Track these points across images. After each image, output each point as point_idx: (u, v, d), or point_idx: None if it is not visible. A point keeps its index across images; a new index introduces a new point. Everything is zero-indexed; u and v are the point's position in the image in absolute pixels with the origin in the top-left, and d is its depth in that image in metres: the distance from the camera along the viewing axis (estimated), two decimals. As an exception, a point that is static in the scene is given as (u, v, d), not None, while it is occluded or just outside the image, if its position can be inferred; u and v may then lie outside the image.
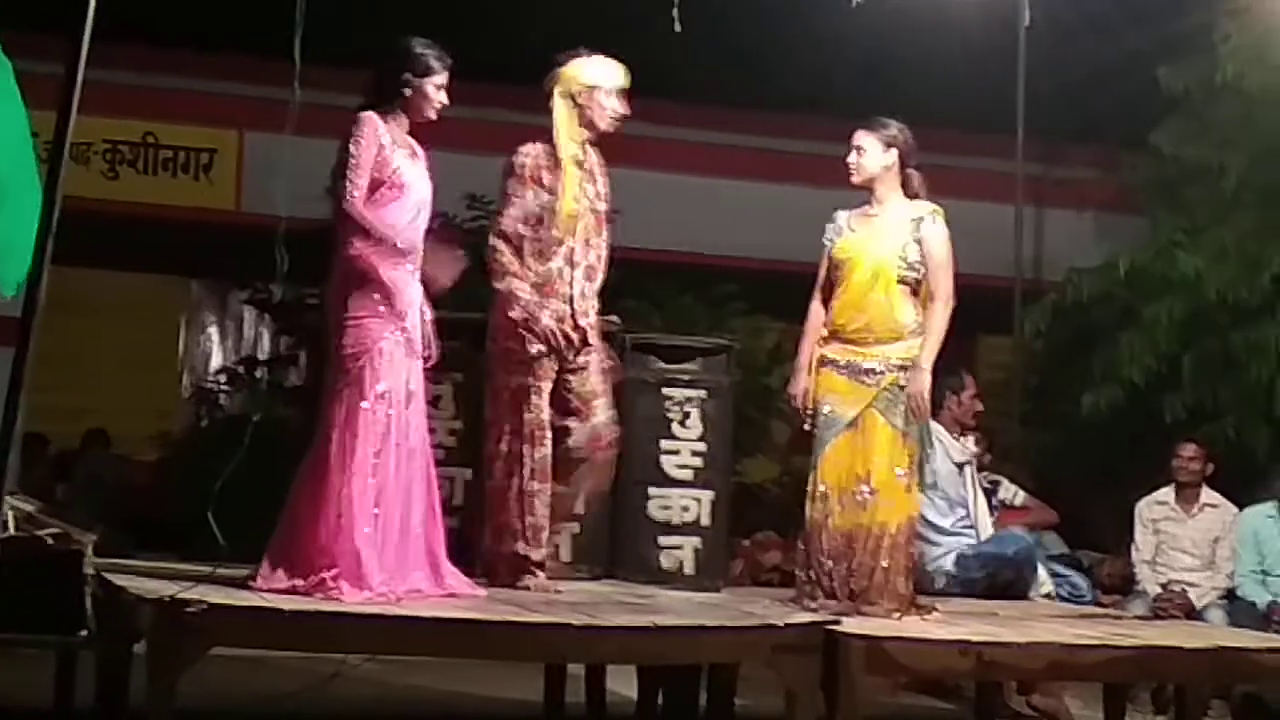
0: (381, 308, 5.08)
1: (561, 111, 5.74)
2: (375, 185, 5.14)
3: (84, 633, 5.05)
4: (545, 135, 5.79)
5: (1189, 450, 8.40)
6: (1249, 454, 9.91)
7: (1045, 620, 6.08)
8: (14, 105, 4.95)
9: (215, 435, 10.72)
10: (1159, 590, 8.15)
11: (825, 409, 5.88)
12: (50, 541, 5.07)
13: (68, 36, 4.05)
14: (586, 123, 5.76)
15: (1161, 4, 10.13)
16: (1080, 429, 11.04)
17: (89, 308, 13.03)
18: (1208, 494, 8.39)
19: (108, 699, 5.31)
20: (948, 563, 7.18)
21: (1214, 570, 8.23)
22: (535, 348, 5.68)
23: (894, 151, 5.94)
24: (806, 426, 5.96)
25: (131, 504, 10.59)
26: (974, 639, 5.37)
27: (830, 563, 5.80)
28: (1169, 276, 10.70)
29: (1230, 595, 8.15)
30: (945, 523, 7.27)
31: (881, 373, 5.82)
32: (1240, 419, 10.17)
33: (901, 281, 5.85)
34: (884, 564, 5.76)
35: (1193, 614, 7.92)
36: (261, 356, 12.93)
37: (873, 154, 5.94)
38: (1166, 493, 8.41)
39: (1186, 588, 8.13)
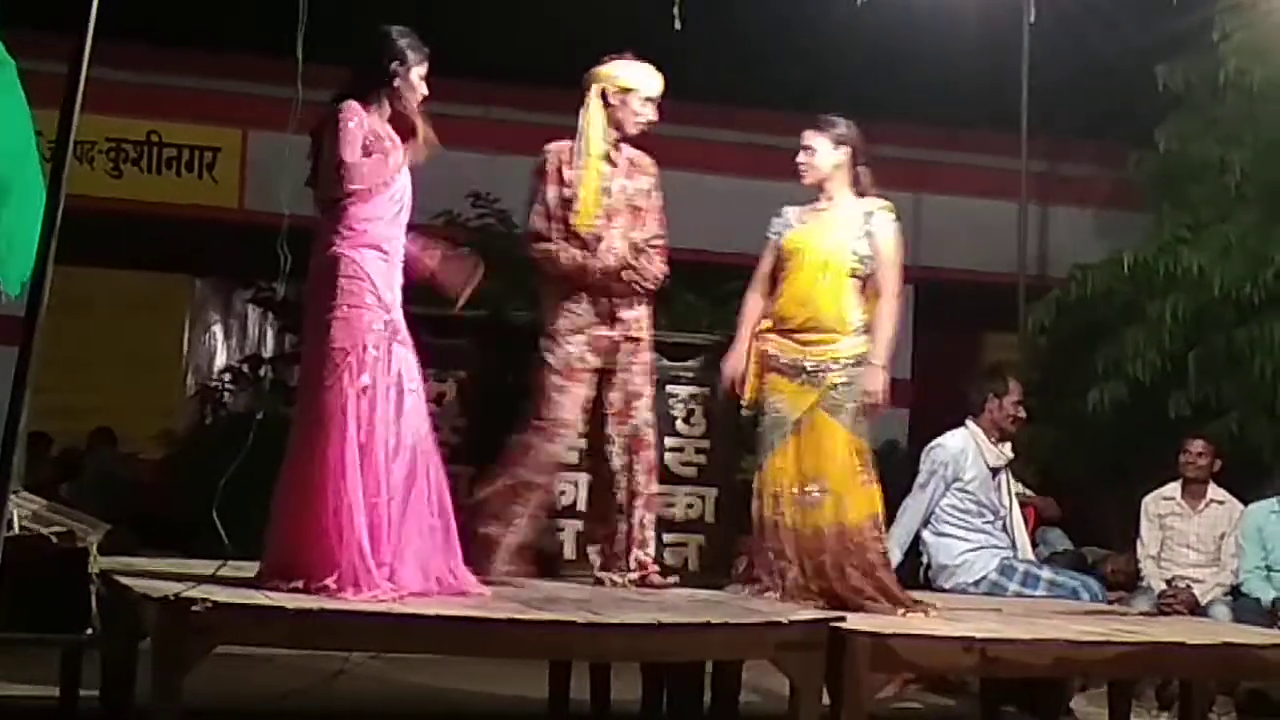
0: (368, 299, 5.04)
1: (595, 108, 5.84)
2: None
3: (89, 631, 5.07)
4: (564, 133, 5.90)
5: (1197, 446, 8.38)
6: (1254, 450, 9.90)
7: (1050, 616, 6.08)
8: (17, 104, 4.95)
9: (219, 434, 10.73)
10: (1164, 586, 8.14)
11: (773, 411, 5.88)
12: (55, 540, 5.08)
13: (71, 35, 4.04)
14: (615, 123, 5.87)
15: (1164, 0, 10.12)
16: (1085, 425, 11.03)
17: (93, 306, 13.05)
18: (1214, 490, 8.37)
19: (113, 697, 5.32)
20: (980, 561, 7.13)
21: (1219, 567, 8.22)
22: (574, 344, 5.78)
23: (844, 149, 5.94)
24: (745, 413, 6.00)
25: (136, 502, 10.61)
26: (979, 635, 5.36)
27: (785, 563, 5.82)
28: (1173, 273, 10.68)
29: (1235, 592, 8.14)
30: (976, 522, 7.23)
31: (824, 372, 5.82)
32: (1245, 415, 10.15)
33: (852, 275, 5.85)
34: (852, 562, 5.74)
35: (1197, 610, 7.90)
36: (265, 355, 12.96)
37: (824, 153, 5.94)
38: (1173, 488, 8.39)
39: (1191, 584, 8.11)
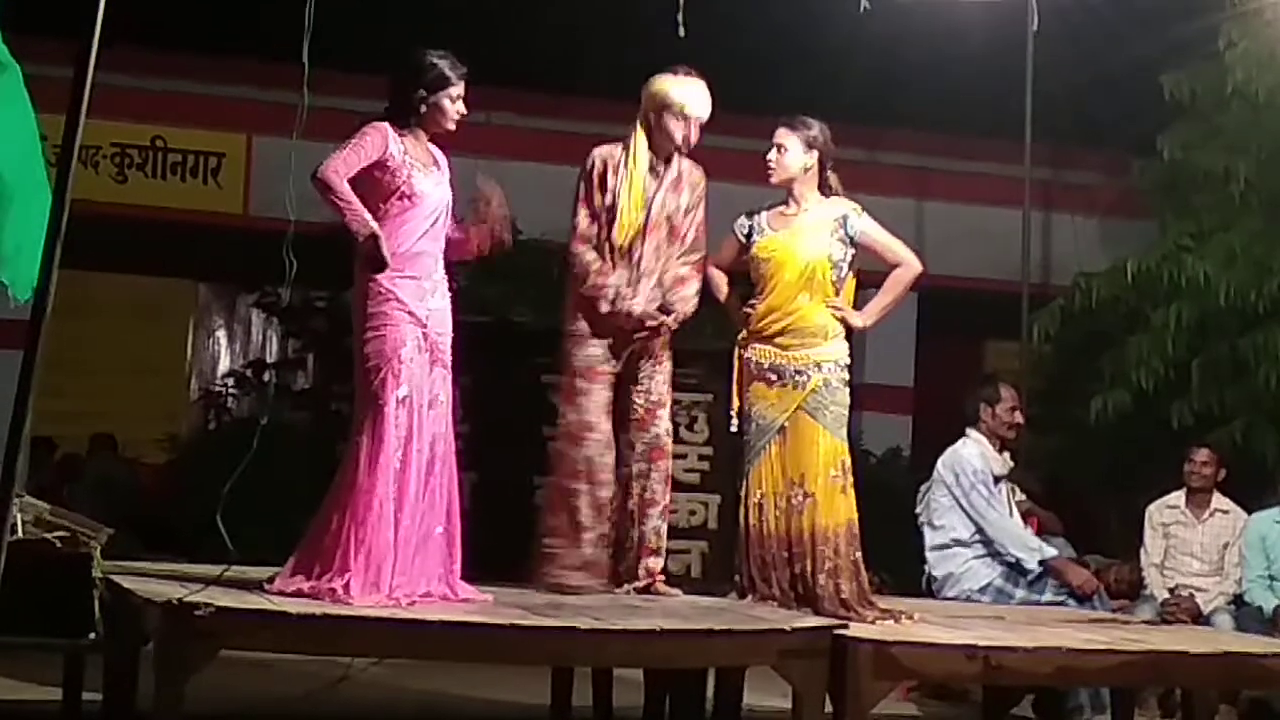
0: (399, 315, 5.09)
1: (639, 125, 5.82)
2: (386, 196, 5.13)
3: (92, 635, 5.07)
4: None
5: (1201, 455, 8.36)
6: (1258, 459, 9.91)
7: (1053, 624, 6.07)
8: (23, 109, 4.97)
9: (223, 439, 10.74)
10: (1167, 595, 8.13)
11: (758, 419, 5.87)
12: (58, 545, 5.08)
13: (77, 40, 4.05)
14: (652, 140, 5.82)
15: (1169, 9, 10.13)
16: (1088, 433, 11.04)
17: (97, 311, 13.08)
18: (1218, 499, 8.36)
19: (116, 702, 5.32)
20: (985, 567, 7.09)
21: (1222, 575, 8.21)
22: (595, 346, 5.76)
23: (814, 153, 5.92)
24: (734, 428, 5.98)
25: (140, 507, 10.62)
26: (981, 643, 5.35)
27: (770, 570, 5.81)
28: (1177, 281, 10.70)
29: (1238, 601, 8.13)
30: (965, 534, 7.19)
31: (808, 375, 5.80)
32: (1249, 424, 10.16)
33: (827, 280, 5.84)
34: (826, 568, 5.71)
35: (1200, 619, 7.91)
36: (269, 360, 12.98)
37: (794, 153, 5.91)
38: (1177, 497, 8.38)
39: (1195, 593, 8.11)
